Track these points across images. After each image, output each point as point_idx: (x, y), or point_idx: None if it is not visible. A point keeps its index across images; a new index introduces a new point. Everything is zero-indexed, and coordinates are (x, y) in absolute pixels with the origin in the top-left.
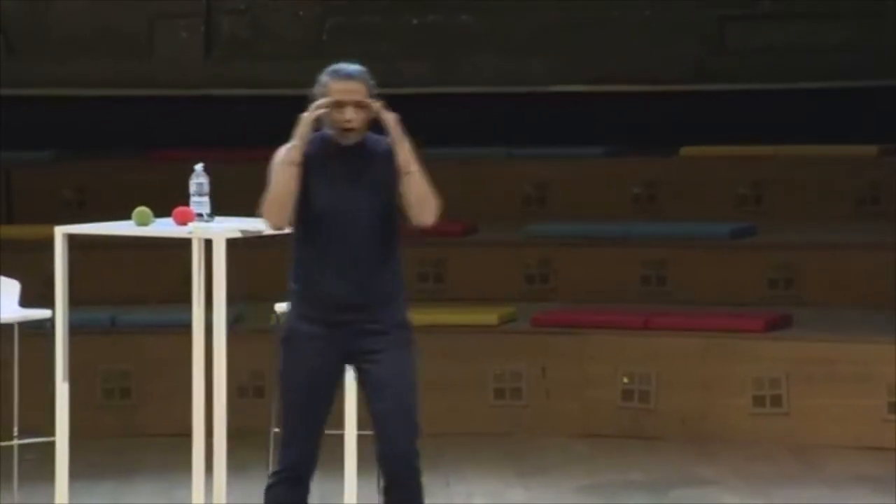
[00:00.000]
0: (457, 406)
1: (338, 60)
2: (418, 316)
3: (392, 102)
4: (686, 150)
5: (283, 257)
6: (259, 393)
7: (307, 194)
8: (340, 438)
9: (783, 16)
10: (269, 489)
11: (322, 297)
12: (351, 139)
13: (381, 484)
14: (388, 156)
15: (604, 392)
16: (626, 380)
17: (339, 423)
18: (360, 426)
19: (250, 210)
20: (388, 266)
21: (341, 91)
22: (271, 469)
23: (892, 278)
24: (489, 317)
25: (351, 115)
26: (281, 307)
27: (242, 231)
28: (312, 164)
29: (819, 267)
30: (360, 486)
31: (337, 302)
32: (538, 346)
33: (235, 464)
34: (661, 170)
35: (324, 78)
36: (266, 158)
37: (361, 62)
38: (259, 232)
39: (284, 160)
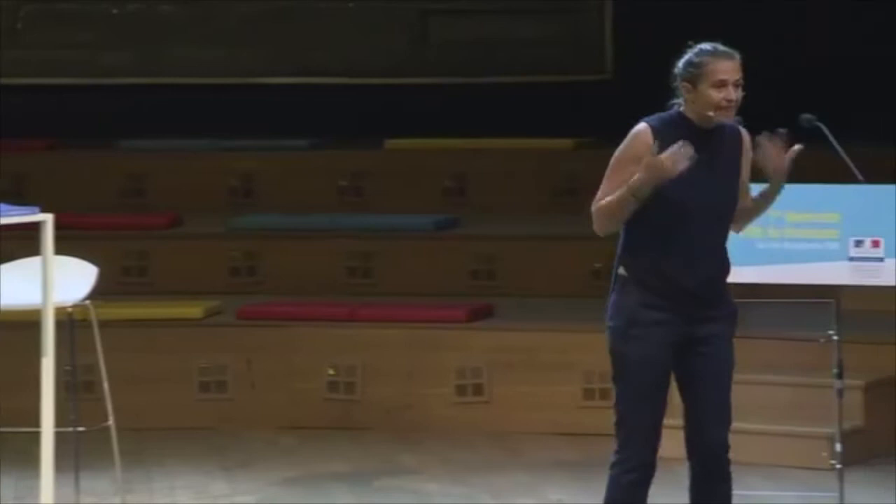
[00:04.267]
0: (161, 400)
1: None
2: (122, 310)
3: (91, 93)
4: (391, 143)
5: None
6: None
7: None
8: (36, 436)
9: (484, 11)
10: (621, 485)
11: (671, 285)
12: (723, 118)
13: (690, 476)
14: (738, 140)
15: (310, 384)
16: (331, 371)
17: (36, 422)
18: (57, 423)
19: None
20: (725, 253)
21: (726, 70)
22: (614, 458)
23: (589, 268)
24: (194, 310)
25: (733, 95)
26: None
27: None
28: (669, 147)
29: (519, 258)
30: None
31: (685, 291)
32: (244, 338)
33: None
34: (367, 162)
35: (699, 58)
36: None
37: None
38: None
39: (638, 194)
